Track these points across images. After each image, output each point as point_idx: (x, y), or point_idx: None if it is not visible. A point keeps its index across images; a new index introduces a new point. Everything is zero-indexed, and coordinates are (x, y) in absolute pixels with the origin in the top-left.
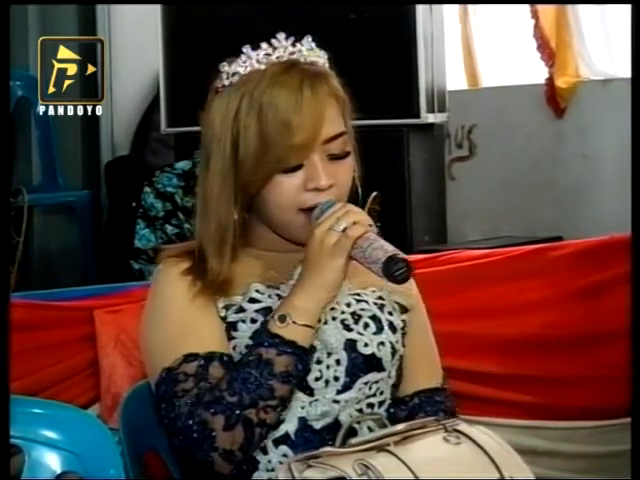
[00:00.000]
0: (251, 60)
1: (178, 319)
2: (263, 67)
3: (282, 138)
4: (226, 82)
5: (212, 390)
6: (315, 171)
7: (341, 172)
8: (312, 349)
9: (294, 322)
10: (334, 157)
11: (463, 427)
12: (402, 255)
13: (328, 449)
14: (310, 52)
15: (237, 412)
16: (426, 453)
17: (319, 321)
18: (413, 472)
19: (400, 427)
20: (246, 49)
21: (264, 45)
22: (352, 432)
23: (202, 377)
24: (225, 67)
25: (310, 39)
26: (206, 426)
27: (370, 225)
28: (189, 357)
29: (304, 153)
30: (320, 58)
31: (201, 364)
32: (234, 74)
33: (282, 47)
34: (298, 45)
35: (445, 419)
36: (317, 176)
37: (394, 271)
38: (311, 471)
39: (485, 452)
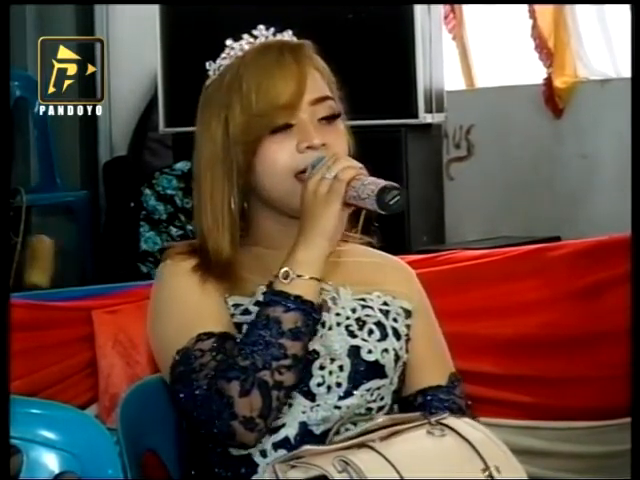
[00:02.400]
0: (234, 50)
1: (190, 305)
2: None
3: (268, 101)
4: (214, 77)
5: (227, 359)
6: (306, 130)
7: (333, 134)
8: (315, 354)
9: (298, 276)
10: (324, 119)
11: (449, 420)
12: (394, 184)
13: (309, 447)
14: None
15: (251, 376)
16: (409, 447)
17: (323, 326)
18: (394, 467)
19: (381, 420)
20: (229, 42)
21: (245, 36)
22: None
23: (219, 351)
24: (211, 65)
25: (291, 32)
26: (223, 394)
27: (361, 168)
28: (204, 336)
29: (291, 112)
30: None
31: (216, 340)
32: (219, 67)
33: (263, 36)
34: (279, 35)
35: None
36: (308, 135)
37: (388, 200)
38: (294, 471)
39: (469, 443)
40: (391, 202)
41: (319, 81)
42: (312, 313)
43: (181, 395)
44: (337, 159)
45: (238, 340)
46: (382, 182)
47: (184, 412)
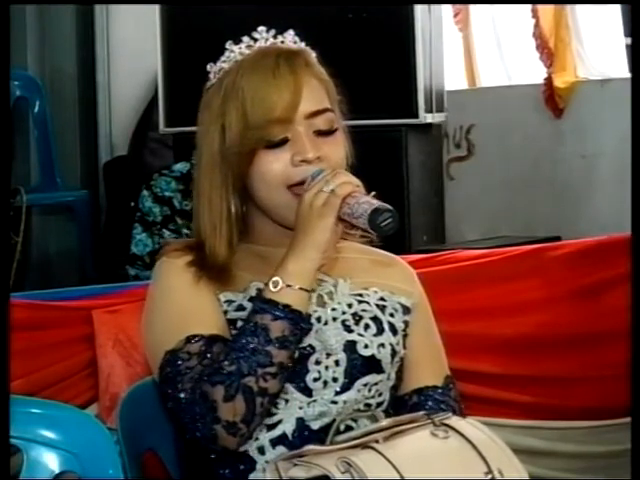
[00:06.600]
0: (234, 54)
1: (182, 305)
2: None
3: (263, 114)
4: (214, 80)
5: (213, 364)
6: (301, 144)
7: (329, 147)
8: (311, 349)
9: (288, 285)
10: (321, 133)
11: (452, 421)
12: (388, 206)
13: (312, 447)
14: (293, 45)
15: (236, 381)
16: (412, 449)
17: (319, 321)
18: (396, 469)
19: (385, 422)
20: (229, 44)
21: (245, 38)
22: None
23: (205, 355)
24: (212, 67)
25: (293, 32)
26: (207, 398)
27: (358, 185)
28: (192, 338)
29: (285, 126)
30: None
31: (204, 343)
32: (220, 70)
33: (263, 38)
34: (280, 37)
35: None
36: (303, 149)
37: (380, 222)
38: (296, 470)
39: (473, 446)
40: (382, 224)
41: (317, 91)
42: (300, 322)
43: (168, 395)
44: (336, 174)
45: (229, 339)
46: (376, 203)
47: (172, 413)
